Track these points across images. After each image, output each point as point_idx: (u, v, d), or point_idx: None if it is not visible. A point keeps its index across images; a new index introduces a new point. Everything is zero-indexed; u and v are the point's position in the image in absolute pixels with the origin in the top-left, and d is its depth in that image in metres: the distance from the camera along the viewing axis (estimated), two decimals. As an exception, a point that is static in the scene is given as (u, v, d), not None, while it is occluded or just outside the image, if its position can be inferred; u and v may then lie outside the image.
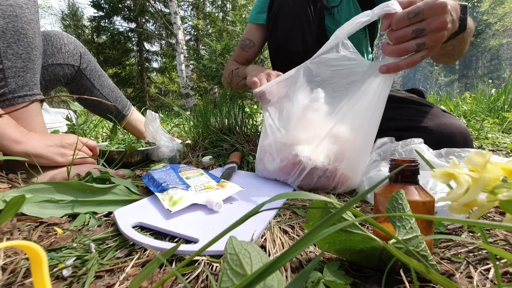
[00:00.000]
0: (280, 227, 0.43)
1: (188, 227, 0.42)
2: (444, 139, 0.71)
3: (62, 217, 0.46)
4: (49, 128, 0.83)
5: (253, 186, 0.64)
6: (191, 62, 6.39)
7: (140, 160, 0.90)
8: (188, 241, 0.40)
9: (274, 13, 0.92)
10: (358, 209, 0.53)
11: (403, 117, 0.81)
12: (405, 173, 0.34)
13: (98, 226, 0.45)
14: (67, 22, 13.54)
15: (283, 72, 1.02)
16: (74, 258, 0.35)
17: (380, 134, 0.83)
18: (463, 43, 0.64)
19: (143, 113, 1.21)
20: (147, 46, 12.90)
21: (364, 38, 1.01)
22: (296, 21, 0.90)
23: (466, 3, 0.55)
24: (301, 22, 0.90)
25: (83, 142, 0.70)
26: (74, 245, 0.38)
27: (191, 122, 1.18)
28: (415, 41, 0.48)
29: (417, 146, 0.59)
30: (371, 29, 1.01)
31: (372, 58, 1.15)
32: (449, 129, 0.72)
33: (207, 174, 0.65)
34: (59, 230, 0.42)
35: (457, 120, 0.75)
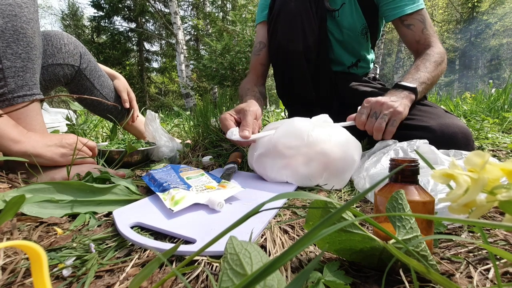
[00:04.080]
0: (280, 227, 0.43)
1: (187, 227, 0.42)
2: (446, 139, 0.71)
3: (62, 217, 0.46)
4: (49, 128, 0.83)
5: (253, 186, 0.64)
6: (191, 62, 6.39)
7: (140, 160, 0.90)
8: (187, 241, 0.40)
9: (275, 14, 0.92)
10: (358, 209, 0.53)
11: None
12: (405, 173, 0.34)
13: (98, 226, 0.45)
14: (67, 22, 13.55)
15: (285, 75, 1.02)
16: (74, 258, 0.35)
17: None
18: (432, 86, 0.83)
19: (143, 113, 1.21)
20: (147, 46, 12.92)
21: (365, 42, 1.01)
22: (297, 21, 0.90)
23: (398, 82, 0.78)
24: (302, 22, 0.90)
25: (82, 142, 0.70)
26: (74, 245, 0.38)
27: (191, 122, 1.18)
28: (380, 120, 0.70)
29: (427, 146, 0.58)
30: (372, 33, 1.01)
31: (374, 61, 1.15)
32: (451, 129, 0.72)
33: (208, 175, 0.65)
34: (59, 230, 0.42)
35: (459, 120, 0.75)
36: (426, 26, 0.87)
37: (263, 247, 0.38)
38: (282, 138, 0.64)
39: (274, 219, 0.47)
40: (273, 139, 0.64)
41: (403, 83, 0.77)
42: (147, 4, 10.50)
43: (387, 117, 0.69)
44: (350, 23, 0.96)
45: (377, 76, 1.19)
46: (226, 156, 0.90)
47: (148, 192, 0.61)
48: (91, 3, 10.88)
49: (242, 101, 0.86)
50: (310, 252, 0.37)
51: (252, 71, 1.06)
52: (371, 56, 1.10)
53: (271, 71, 1.23)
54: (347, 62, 1.06)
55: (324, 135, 0.62)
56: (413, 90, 0.75)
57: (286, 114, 1.17)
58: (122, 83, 1.09)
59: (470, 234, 0.41)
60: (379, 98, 0.72)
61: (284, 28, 0.91)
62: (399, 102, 0.71)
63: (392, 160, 0.36)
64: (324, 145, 0.61)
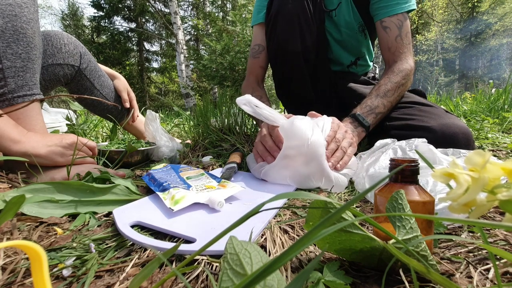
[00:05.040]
0: (280, 227, 0.43)
1: (187, 226, 0.42)
2: (446, 139, 0.71)
3: (62, 217, 0.46)
4: (49, 128, 0.83)
5: (253, 186, 0.64)
6: (191, 62, 6.39)
7: (140, 160, 0.90)
8: (187, 241, 0.40)
9: (273, 15, 0.92)
10: (358, 209, 0.53)
11: (405, 116, 0.81)
12: (405, 173, 0.34)
13: (98, 226, 0.45)
14: (67, 22, 13.56)
15: (283, 76, 1.02)
16: (74, 258, 0.35)
17: (382, 133, 0.83)
18: (388, 111, 0.83)
19: (143, 113, 1.21)
20: (147, 46, 12.92)
21: (364, 40, 1.01)
22: (295, 22, 0.90)
23: (354, 112, 0.77)
24: (300, 23, 0.90)
25: (82, 142, 0.70)
26: (74, 245, 0.38)
27: (191, 122, 1.18)
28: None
29: (425, 145, 0.58)
30: (370, 30, 1.01)
31: (373, 60, 1.15)
32: (451, 129, 0.72)
33: (208, 175, 0.65)
34: (59, 230, 0.42)
35: (459, 121, 0.75)
36: (401, 34, 0.86)
37: (263, 247, 0.38)
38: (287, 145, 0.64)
39: (274, 219, 0.47)
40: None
41: (360, 117, 0.76)
42: (147, 4, 10.51)
43: (346, 149, 0.67)
44: (347, 21, 0.96)
45: (377, 75, 1.19)
46: (226, 156, 0.90)
47: (148, 192, 0.61)
48: (91, 3, 10.89)
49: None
50: (310, 252, 0.37)
51: (251, 74, 1.05)
52: (370, 53, 1.09)
53: (270, 72, 1.23)
54: (346, 61, 1.06)
55: (322, 140, 0.62)
56: (367, 129, 0.76)
57: (286, 114, 1.17)
58: (122, 83, 1.09)
59: (470, 234, 0.41)
60: (343, 127, 0.69)
61: (282, 29, 0.91)
62: (355, 142, 0.71)
63: (392, 160, 0.36)
64: (322, 150, 0.61)
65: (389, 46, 0.88)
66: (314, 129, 0.63)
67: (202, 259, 0.34)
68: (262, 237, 0.41)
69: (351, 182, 0.66)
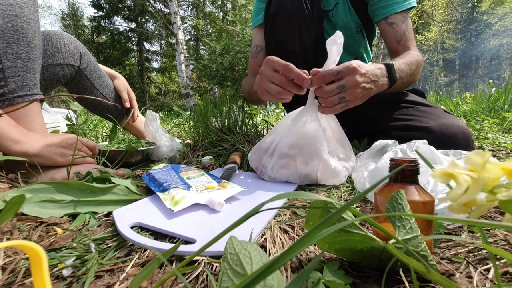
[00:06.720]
0: (280, 227, 0.43)
1: (187, 227, 0.42)
2: (446, 139, 0.71)
3: (62, 217, 0.46)
4: (49, 128, 0.83)
5: (253, 186, 0.64)
6: (191, 62, 6.39)
7: (140, 160, 0.90)
8: (187, 241, 0.40)
9: (271, 15, 0.92)
10: (358, 209, 0.53)
11: (404, 117, 0.81)
12: (405, 173, 0.34)
13: (98, 226, 0.45)
14: (67, 22, 13.57)
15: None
16: (74, 258, 0.35)
17: (382, 134, 0.83)
18: (404, 85, 0.79)
19: (143, 113, 1.21)
20: (147, 46, 12.93)
21: (362, 40, 1.01)
22: (294, 22, 0.90)
23: (391, 63, 0.70)
24: (298, 22, 0.90)
25: (83, 142, 0.70)
26: (74, 245, 0.38)
27: (191, 122, 1.18)
28: (338, 96, 0.61)
29: (426, 146, 0.58)
30: (368, 31, 1.01)
31: (372, 59, 1.15)
32: (451, 129, 0.72)
33: (208, 175, 0.65)
34: (59, 230, 0.42)
35: (459, 120, 0.75)
36: (407, 29, 0.87)
37: (263, 247, 0.38)
38: (288, 141, 0.65)
39: (274, 219, 0.47)
40: (280, 143, 0.66)
41: (394, 70, 0.69)
42: (147, 4, 10.52)
43: (345, 99, 0.61)
44: (345, 22, 0.96)
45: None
46: (226, 156, 0.90)
47: (148, 192, 0.61)
48: (91, 3, 10.89)
49: (251, 92, 0.87)
50: (310, 252, 0.37)
51: (250, 73, 1.06)
52: (368, 54, 1.09)
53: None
54: (344, 62, 1.06)
55: (320, 131, 0.63)
56: (392, 84, 0.69)
57: (286, 114, 1.18)
58: (122, 82, 1.09)
59: (470, 234, 0.41)
60: (361, 69, 0.61)
61: (281, 29, 0.91)
62: (371, 91, 0.64)
63: (392, 160, 0.36)
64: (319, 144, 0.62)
65: (397, 40, 0.87)
66: (314, 121, 0.65)
67: (202, 260, 0.34)
68: (262, 237, 0.41)
69: (351, 181, 0.66)
